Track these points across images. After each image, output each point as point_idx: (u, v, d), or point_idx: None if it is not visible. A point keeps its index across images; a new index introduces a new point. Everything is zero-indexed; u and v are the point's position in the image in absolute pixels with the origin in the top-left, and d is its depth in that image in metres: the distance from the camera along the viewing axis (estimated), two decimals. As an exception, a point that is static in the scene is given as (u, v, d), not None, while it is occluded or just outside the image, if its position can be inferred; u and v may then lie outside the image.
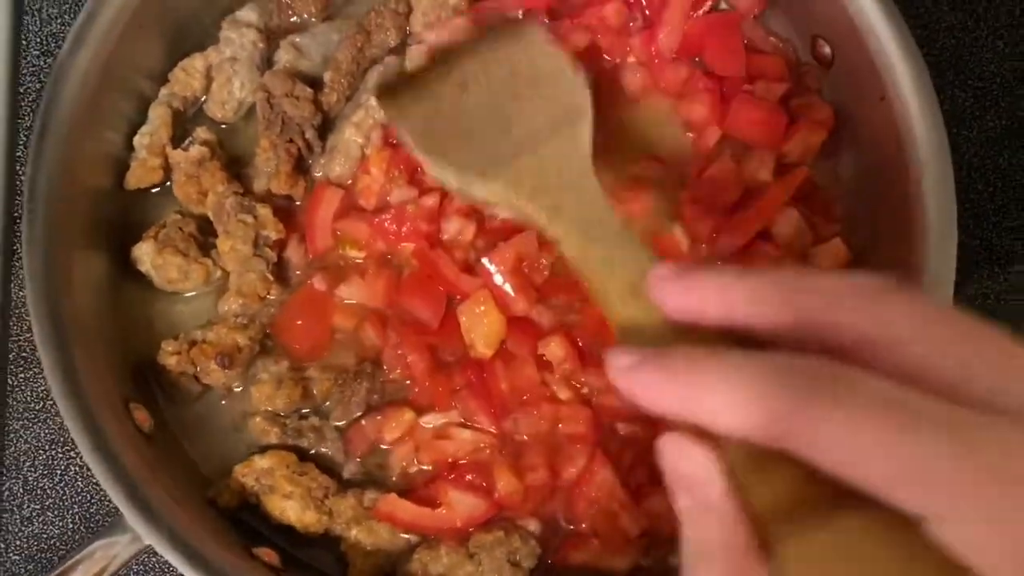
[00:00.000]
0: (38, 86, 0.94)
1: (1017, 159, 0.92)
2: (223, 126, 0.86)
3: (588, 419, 0.78)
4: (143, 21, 0.80)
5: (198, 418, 0.82)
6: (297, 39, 0.86)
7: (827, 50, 0.84)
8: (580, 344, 0.79)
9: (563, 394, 0.79)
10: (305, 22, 0.88)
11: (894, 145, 0.75)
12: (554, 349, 0.78)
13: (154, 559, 0.85)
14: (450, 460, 0.79)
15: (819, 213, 0.83)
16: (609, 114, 0.87)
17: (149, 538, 0.68)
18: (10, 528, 0.86)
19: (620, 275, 0.56)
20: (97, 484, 0.84)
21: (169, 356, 0.79)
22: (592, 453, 0.77)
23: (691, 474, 0.41)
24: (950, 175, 0.73)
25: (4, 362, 0.89)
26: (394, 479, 0.80)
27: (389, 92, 0.78)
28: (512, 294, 0.79)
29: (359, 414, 0.81)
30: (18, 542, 0.86)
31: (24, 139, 0.92)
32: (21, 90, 0.94)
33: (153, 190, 0.84)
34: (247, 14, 0.86)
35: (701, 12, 0.86)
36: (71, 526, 0.86)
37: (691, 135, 0.86)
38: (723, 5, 0.89)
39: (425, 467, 0.80)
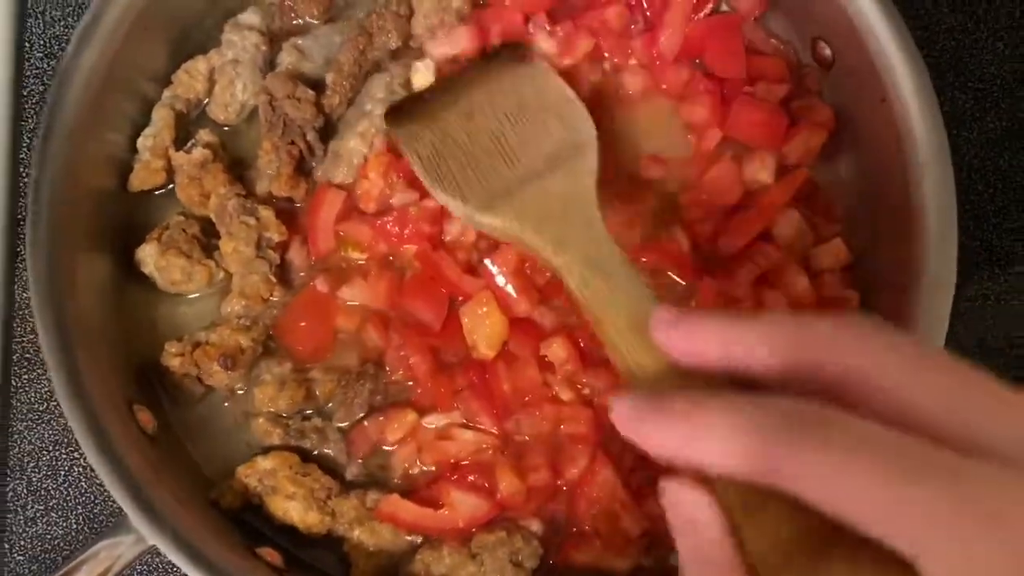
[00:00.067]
0: (41, 88, 0.94)
1: (1017, 160, 0.92)
2: (226, 128, 0.87)
3: (589, 419, 0.78)
4: (146, 23, 0.81)
5: (201, 419, 0.82)
6: (299, 41, 0.86)
7: (827, 52, 0.84)
8: (582, 345, 0.79)
9: (565, 395, 0.79)
10: (307, 24, 0.89)
11: (894, 146, 0.76)
12: (556, 350, 0.79)
13: (157, 559, 0.86)
14: (452, 461, 0.79)
15: (820, 214, 0.83)
16: (610, 116, 0.87)
17: (153, 539, 0.68)
18: (14, 529, 0.87)
19: (624, 313, 0.57)
20: (101, 485, 0.84)
21: (172, 358, 0.79)
22: (593, 454, 0.77)
23: (691, 517, 0.43)
24: (950, 176, 0.73)
25: (8, 364, 0.89)
26: (396, 480, 0.80)
27: (397, 118, 0.78)
28: (514, 295, 0.80)
29: (361, 415, 0.81)
30: (22, 543, 0.86)
31: (27, 141, 0.93)
32: (24, 92, 0.94)
33: (156, 192, 0.84)
34: (249, 17, 0.86)
35: (702, 14, 0.87)
36: (75, 527, 0.87)
37: (692, 137, 0.86)
38: (724, 7, 0.89)
39: (427, 468, 0.80)
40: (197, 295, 0.83)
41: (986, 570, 0.34)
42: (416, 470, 0.80)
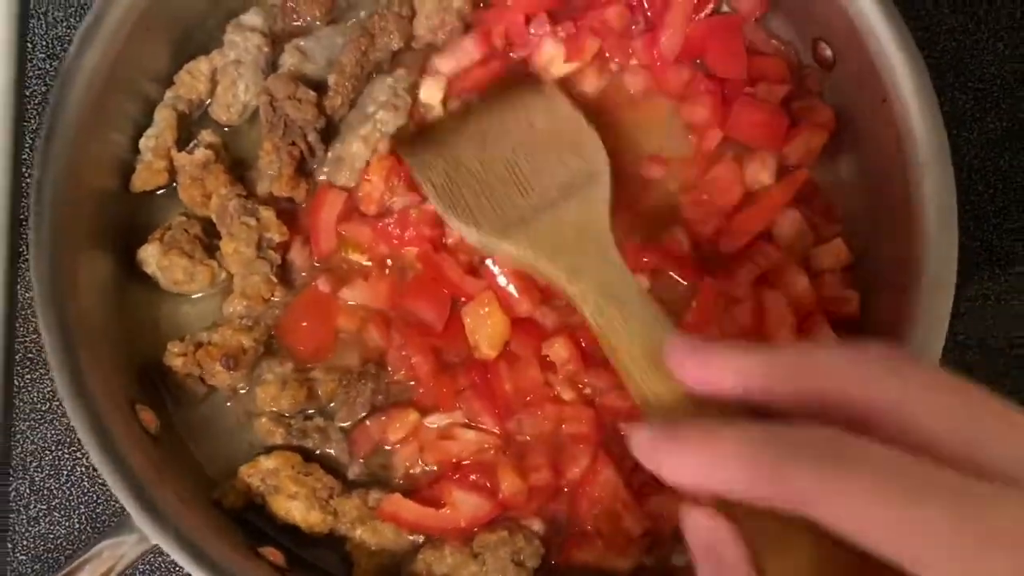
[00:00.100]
0: (44, 89, 0.94)
1: (1017, 161, 0.93)
2: (227, 129, 0.87)
3: (591, 419, 0.78)
4: (149, 24, 0.81)
5: (204, 419, 0.82)
6: (301, 43, 0.86)
7: (828, 52, 0.84)
8: (583, 345, 0.79)
9: (566, 395, 0.79)
10: (309, 26, 0.89)
11: (895, 147, 0.76)
12: (558, 350, 0.79)
13: (160, 559, 0.86)
14: (454, 460, 0.79)
15: (820, 214, 0.84)
16: (612, 116, 0.87)
17: (156, 538, 0.69)
18: (17, 528, 0.87)
19: (639, 342, 0.57)
20: (103, 485, 0.84)
21: (175, 358, 0.80)
22: (595, 453, 0.78)
23: (711, 544, 0.44)
24: (951, 177, 0.73)
25: (11, 364, 0.89)
26: (398, 480, 0.80)
27: (410, 144, 0.79)
28: (516, 295, 0.80)
29: (363, 415, 0.81)
30: (25, 542, 0.87)
31: (30, 141, 0.93)
32: (27, 93, 0.95)
33: (158, 192, 0.85)
34: (251, 18, 0.86)
35: (703, 15, 0.87)
36: (77, 526, 0.87)
37: (693, 137, 0.86)
38: (725, 8, 0.89)
39: (429, 467, 0.80)
40: (199, 295, 0.84)
41: None
42: (418, 470, 0.80)
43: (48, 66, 0.95)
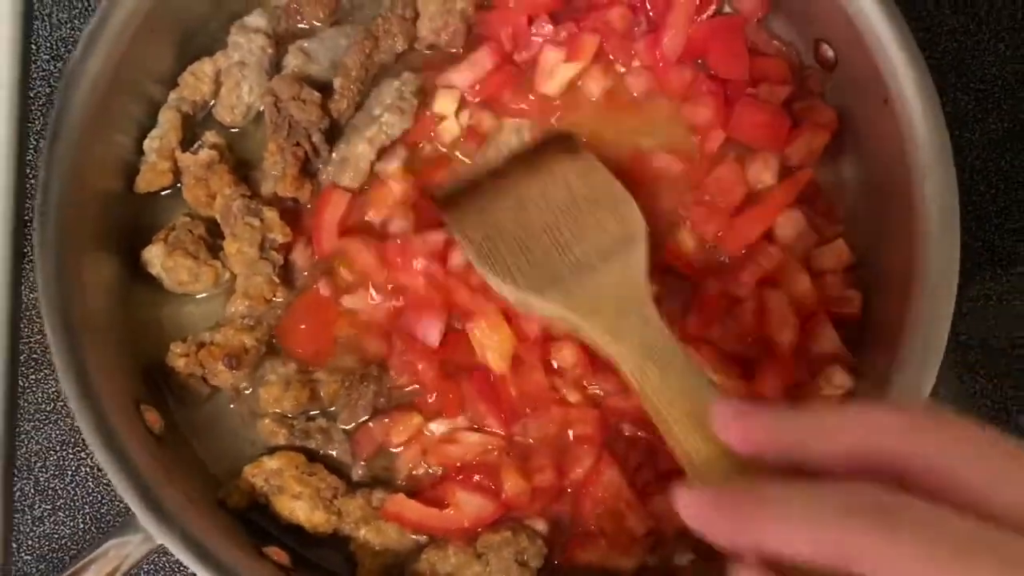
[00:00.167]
0: (48, 90, 0.95)
1: (1019, 161, 0.93)
2: (232, 130, 0.87)
3: (596, 420, 0.78)
4: (153, 26, 0.81)
5: (208, 419, 0.82)
6: (305, 44, 0.86)
7: (830, 53, 0.84)
8: (590, 349, 0.79)
9: (572, 397, 0.79)
10: (312, 27, 0.89)
11: (897, 147, 0.76)
12: (565, 355, 0.79)
13: (164, 558, 0.86)
14: (458, 464, 0.79)
15: (822, 214, 0.84)
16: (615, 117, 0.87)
17: (161, 538, 0.69)
18: (22, 528, 0.87)
19: (682, 404, 0.58)
20: (108, 484, 0.85)
21: (178, 358, 0.80)
22: (599, 454, 0.78)
23: None
24: (953, 177, 0.73)
25: (15, 364, 0.89)
26: (401, 481, 0.81)
27: (450, 204, 0.80)
28: (527, 319, 0.79)
29: (365, 417, 0.81)
30: (30, 542, 0.87)
31: (34, 142, 0.93)
32: (31, 94, 0.94)
33: (163, 193, 0.85)
34: (255, 19, 0.87)
35: (705, 16, 0.87)
36: (82, 526, 0.87)
37: (695, 138, 0.86)
38: (727, 9, 0.89)
39: (432, 470, 0.80)
40: (203, 295, 0.84)
41: None
42: (421, 471, 0.81)
43: (52, 67, 0.95)
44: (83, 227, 0.77)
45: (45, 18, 0.96)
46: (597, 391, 0.80)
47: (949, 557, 0.37)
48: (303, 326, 0.83)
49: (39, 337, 0.89)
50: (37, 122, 0.94)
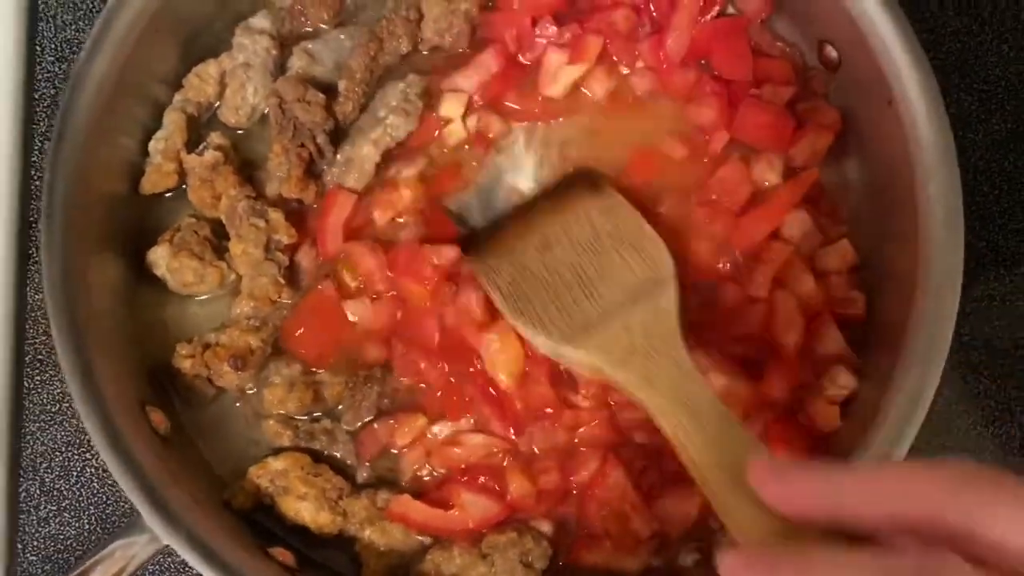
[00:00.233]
0: (53, 92, 0.95)
1: (1023, 162, 0.93)
2: (237, 131, 0.87)
3: (604, 420, 0.78)
4: (157, 28, 0.81)
5: (213, 420, 0.82)
6: (309, 45, 0.87)
7: (834, 54, 0.84)
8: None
9: (583, 403, 0.79)
10: (317, 29, 0.89)
11: (900, 148, 0.76)
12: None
13: (169, 559, 0.86)
14: (462, 466, 0.80)
15: (826, 215, 0.84)
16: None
17: (167, 538, 0.69)
18: (27, 529, 0.87)
19: (717, 456, 0.57)
20: (113, 485, 0.85)
21: (183, 359, 0.80)
22: (604, 456, 0.78)
23: None
24: (956, 178, 0.73)
25: (20, 365, 0.90)
26: (405, 482, 0.81)
27: (473, 250, 0.79)
28: None
29: (369, 418, 0.81)
30: (35, 543, 0.87)
31: (39, 144, 0.93)
32: (36, 96, 0.95)
33: (168, 194, 0.85)
34: (260, 21, 0.87)
35: (709, 17, 0.87)
36: (87, 527, 0.87)
37: (699, 139, 0.86)
38: (731, 10, 0.89)
39: (437, 472, 0.80)
40: (208, 296, 0.84)
41: None
42: (425, 473, 0.81)
43: (57, 69, 0.95)
44: (88, 228, 0.77)
45: (50, 20, 0.96)
46: (613, 403, 0.79)
47: None
48: (308, 328, 0.83)
49: (44, 338, 0.89)
50: (42, 124, 0.94)
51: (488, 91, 0.87)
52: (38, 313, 0.90)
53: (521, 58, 0.88)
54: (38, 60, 0.96)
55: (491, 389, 0.80)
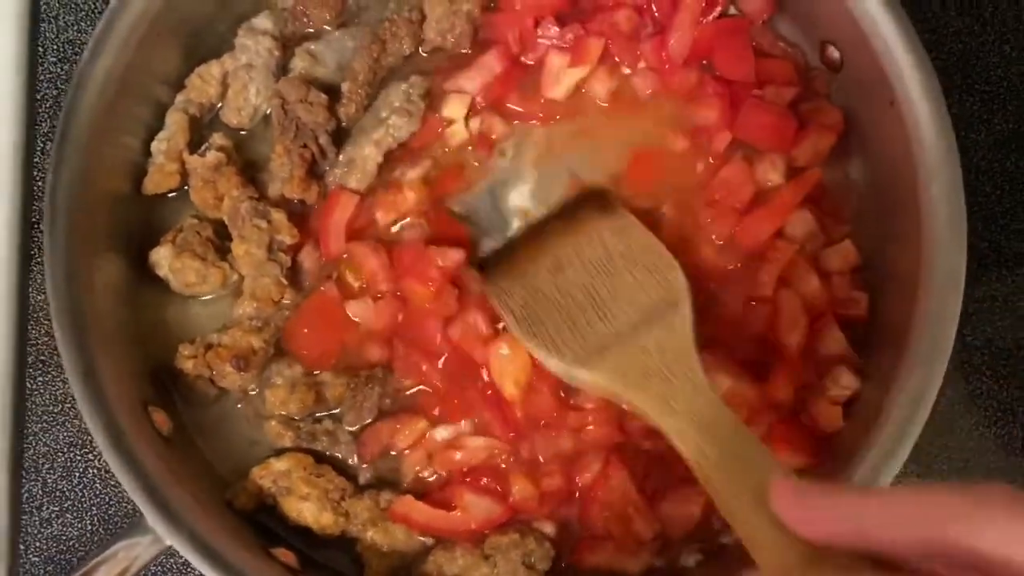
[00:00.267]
0: (55, 92, 0.95)
1: (1025, 162, 0.93)
2: (239, 132, 0.87)
3: (611, 419, 0.78)
4: (160, 29, 0.81)
5: (215, 421, 0.82)
6: (312, 46, 0.87)
7: (836, 55, 0.84)
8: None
9: (588, 404, 0.79)
10: (319, 29, 0.89)
11: (903, 149, 0.76)
12: None
13: (171, 560, 0.86)
14: (464, 469, 0.80)
15: (829, 215, 0.84)
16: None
17: (170, 539, 0.69)
18: (29, 530, 0.87)
19: (739, 480, 0.56)
20: (115, 486, 0.85)
21: (186, 360, 0.80)
22: (607, 458, 0.78)
23: None
24: (959, 179, 0.73)
25: (23, 366, 0.90)
26: (407, 484, 0.81)
27: (487, 271, 0.79)
28: None
29: (371, 419, 0.81)
30: (37, 543, 0.87)
31: (41, 144, 0.94)
32: (38, 96, 0.95)
33: (170, 195, 0.85)
34: (262, 21, 0.87)
35: (711, 17, 0.87)
36: (90, 528, 0.87)
37: (701, 139, 0.86)
38: (732, 10, 0.89)
39: (438, 474, 0.80)
40: (211, 297, 0.84)
41: None
42: (427, 474, 0.81)
43: (59, 70, 0.96)
44: (91, 229, 0.77)
45: (52, 20, 0.96)
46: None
47: None
48: (310, 329, 0.83)
49: (47, 339, 0.89)
50: (44, 124, 0.94)
51: (491, 92, 0.87)
52: (40, 314, 0.90)
53: (523, 59, 0.88)
54: (40, 61, 0.96)
55: (490, 392, 0.80)
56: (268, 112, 0.86)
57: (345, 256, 0.84)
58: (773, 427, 0.77)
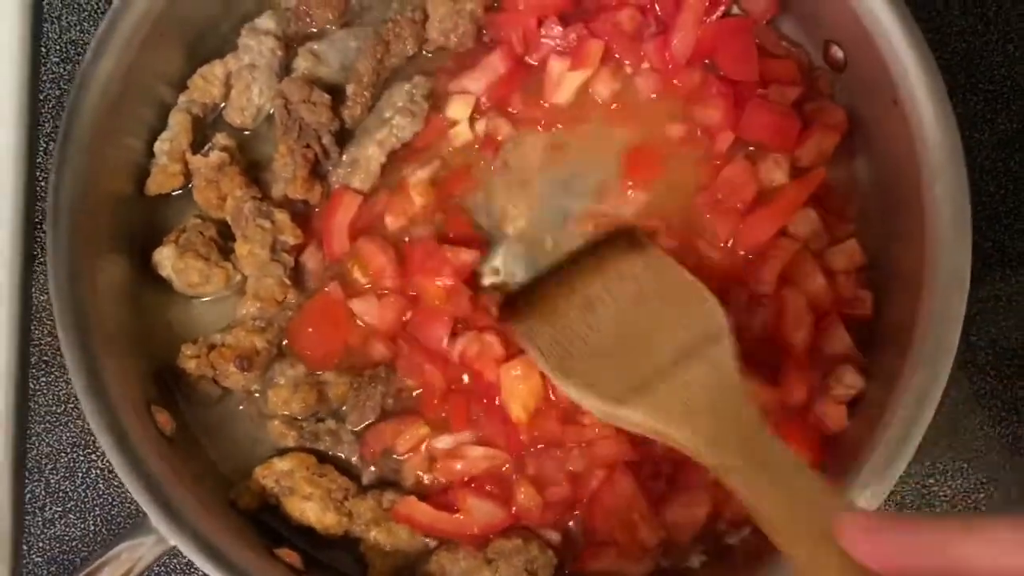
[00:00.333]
0: (58, 93, 0.95)
1: (1029, 162, 0.93)
2: (243, 132, 0.87)
3: (616, 434, 0.77)
4: (163, 29, 0.81)
5: (218, 421, 0.82)
6: (315, 46, 0.87)
7: (840, 54, 0.84)
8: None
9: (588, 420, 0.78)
10: (322, 29, 0.89)
11: (907, 148, 0.76)
12: None
13: (175, 560, 0.86)
14: (465, 478, 0.79)
15: (834, 214, 0.84)
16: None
17: (174, 539, 0.69)
18: (32, 530, 0.87)
19: (801, 515, 0.54)
20: (118, 486, 0.85)
21: (189, 360, 0.80)
22: (612, 465, 0.77)
23: None
24: (963, 178, 0.73)
25: (26, 367, 0.89)
26: (409, 485, 0.81)
27: (514, 312, 0.78)
28: None
29: (373, 419, 0.81)
30: (40, 544, 0.87)
31: (44, 145, 0.94)
32: (41, 97, 0.95)
33: (173, 195, 0.85)
34: (265, 21, 0.87)
35: (714, 17, 0.87)
36: (92, 528, 0.87)
37: (705, 139, 0.86)
38: (736, 10, 0.89)
39: (439, 480, 0.80)
40: (213, 297, 0.84)
41: None
42: (428, 480, 0.81)
43: (62, 70, 0.95)
44: (94, 229, 0.77)
45: (54, 21, 0.96)
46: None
47: None
48: (313, 329, 0.83)
49: (50, 339, 0.89)
50: (47, 125, 0.94)
51: (495, 93, 0.87)
52: (44, 314, 0.90)
53: (527, 59, 0.88)
54: (43, 61, 0.96)
55: (496, 405, 0.80)
56: (271, 112, 0.86)
57: (353, 252, 0.84)
58: (778, 426, 0.77)
